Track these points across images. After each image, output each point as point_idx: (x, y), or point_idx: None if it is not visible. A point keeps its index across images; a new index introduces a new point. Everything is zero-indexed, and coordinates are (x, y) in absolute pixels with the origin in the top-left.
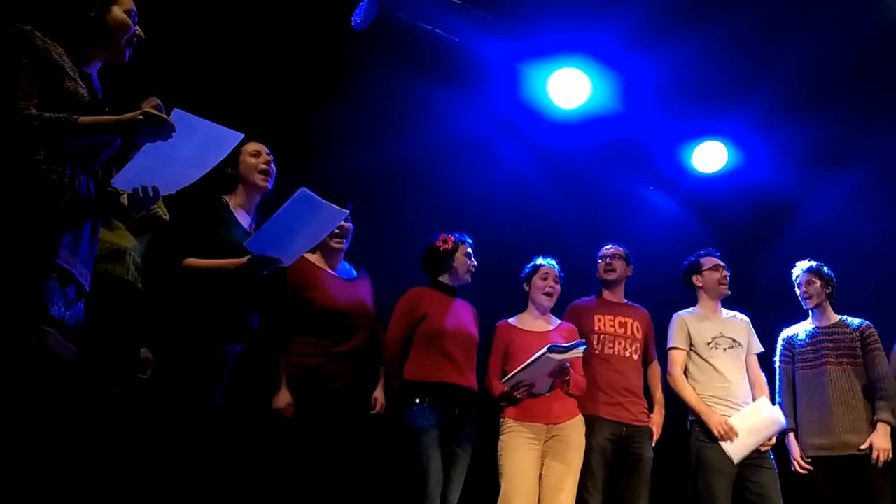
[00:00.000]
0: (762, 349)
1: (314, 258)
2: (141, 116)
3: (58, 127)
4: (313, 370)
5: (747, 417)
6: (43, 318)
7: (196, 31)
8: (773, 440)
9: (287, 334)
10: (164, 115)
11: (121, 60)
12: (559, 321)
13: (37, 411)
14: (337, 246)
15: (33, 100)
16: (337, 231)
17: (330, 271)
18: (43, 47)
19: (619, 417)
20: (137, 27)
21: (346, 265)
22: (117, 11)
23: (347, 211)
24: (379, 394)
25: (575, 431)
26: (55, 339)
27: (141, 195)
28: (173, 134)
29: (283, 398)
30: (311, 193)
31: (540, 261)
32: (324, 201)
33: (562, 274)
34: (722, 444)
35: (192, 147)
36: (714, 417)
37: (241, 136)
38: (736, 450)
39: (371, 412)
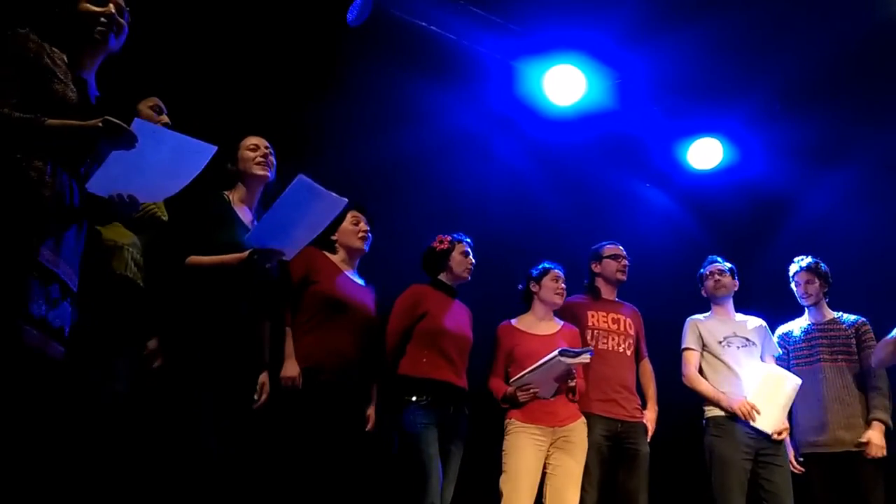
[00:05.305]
0: (780, 352)
1: (334, 257)
2: (100, 124)
3: (23, 127)
4: (309, 360)
5: (758, 391)
6: (22, 316)
7: (193, 28)
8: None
9: (293, 311)
10: (124, 125)
11: (104, 50)
12: (562, 322)
13: (19, 410)
14: (360, 245)
15: (10, 99)
16: (362, 234)
17: (344, 271)
18: (35, 50)
19: (613, 414)
20: (109, 7)
21: (357, 274)
22: (81, 2)
23: (346, 200)
24: (372, 412)
25: (579, 433)
26: (35, 337)
27: (117, 201)
28: (137, 144)
29: (293, 368)
30: (310, 180)
31: (548, 264)
32: (323, 189)
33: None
34: (754, 424)
35: (161, 158)
36: (735, 401)
37: (215, 148)
38: (767, 423)
39: (365, 429)
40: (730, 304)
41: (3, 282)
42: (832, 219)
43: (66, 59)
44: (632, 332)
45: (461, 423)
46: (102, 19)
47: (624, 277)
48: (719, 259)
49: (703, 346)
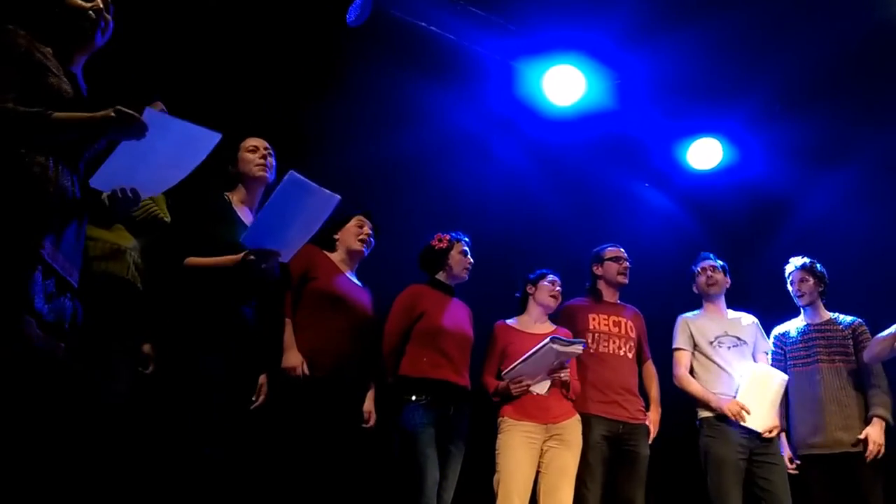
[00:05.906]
0: (772, 348)
1: (333, 256)
2: (113, 114)
3: (31, 120)
4: (306, 356)
5: (747, 390)
6: (27, 311)
7: (193, 28)
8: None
9: (292, 303)
10: (136, 114)
11: (92, 46)
12: (555, 326)
13: (19, 405)
14: (359, 248)
15: (10, 94)
16: (363, 236)
17: (344, 272)
18: (26, 45)
19: (615, 415)
20: (97, 1)
21: (356, 276)
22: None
23: (339, 196)
24: (370, 405)
25: (573, 431)
26: (36, 331)
27: (120, 196)
28: (147, 133)
29: (295, 357)
30: (301, 177)
31: (545, 271)
32: (314, 185)
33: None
34: (745, 424)
35: (168, 146)
36: (724, 401)
37: (219, 135)
38: (758, 422)
39: (364, 426)
40: (722, 301)
41: (8, 276)
42: (832, 219)
43: (53, 54)
44: (633, 334)
45: (462, 423)
46: (91, 14)
47: (625, 280)
48: (712, 255)
49: (695, 347)
